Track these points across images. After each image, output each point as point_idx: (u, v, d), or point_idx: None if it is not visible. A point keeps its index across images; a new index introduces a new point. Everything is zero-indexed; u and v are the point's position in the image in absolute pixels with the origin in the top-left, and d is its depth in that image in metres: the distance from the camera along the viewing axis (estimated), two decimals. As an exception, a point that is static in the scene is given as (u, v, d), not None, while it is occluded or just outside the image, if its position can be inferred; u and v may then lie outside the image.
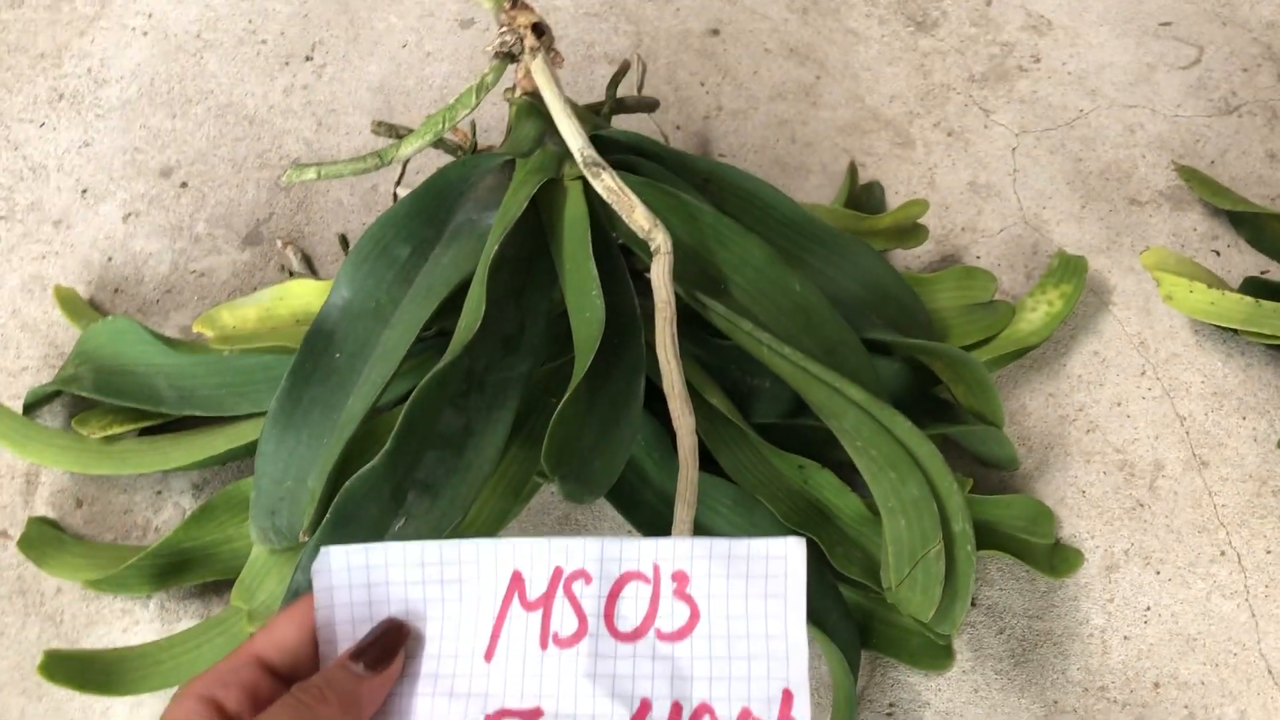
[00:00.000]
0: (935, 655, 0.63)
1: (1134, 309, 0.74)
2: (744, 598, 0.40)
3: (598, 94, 0.79)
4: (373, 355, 0.58)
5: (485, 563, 0.42)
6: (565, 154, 0.62)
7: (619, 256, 0.61)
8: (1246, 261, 0.76)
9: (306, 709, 0.39)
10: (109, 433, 0.67)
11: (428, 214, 0.61)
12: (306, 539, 0.54)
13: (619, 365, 0.57)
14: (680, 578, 0.40)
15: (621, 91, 0.81)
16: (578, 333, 0.57)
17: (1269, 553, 0.67)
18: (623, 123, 0.80)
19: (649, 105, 0.75)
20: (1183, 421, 0.71)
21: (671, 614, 0.39)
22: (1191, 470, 0.69)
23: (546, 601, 0.40)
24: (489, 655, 0.40)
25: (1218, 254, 0.76)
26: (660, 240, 0.56)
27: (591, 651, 0.39)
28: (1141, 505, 0.68)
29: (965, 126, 0.82)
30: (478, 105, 0.63)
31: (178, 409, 0.66)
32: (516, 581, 0.41)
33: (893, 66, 0.84)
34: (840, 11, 0.87)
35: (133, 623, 0.65)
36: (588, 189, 0.60)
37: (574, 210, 0.60)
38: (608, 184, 0.57)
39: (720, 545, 0.41)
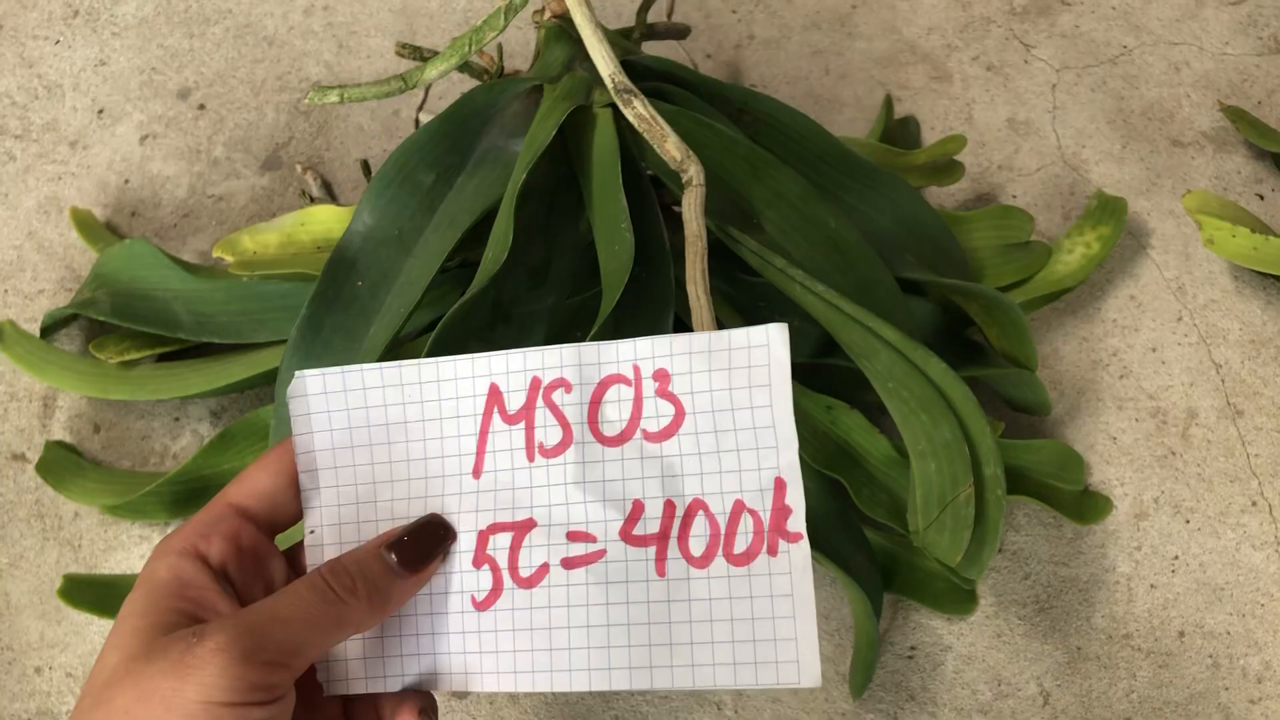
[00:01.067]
0: (959, 600, 0.62)
1: (1173, 253, 0.73)
2: (728, 390, 0.39)
3: (626, 19, 0.77)
4: (395, 284, 0.57)
5: (463, 379, 0.41)
6: (595, 80, 0.60)
7: (649, 188, 0.59)
8: (1291, 206, 0.74)
9: (335, 598, 0.36)
10: (126, 358, 0.66)
11: (452, 140, 0.60)
12: None
13: (647, 300, 0.56)
14: (662, 376, 0.39)
15: (652, 18, 0.79)
16: (605, 266, 0.55)
17: (1302, 504, 0.66)
18: (652, 50, 0.78)
19: (680, 32, 0.73)
20: (1218, 369, 0.69)
21: (656, 414, 0.39)
22: (1225, 419, 0.68)
23: (528, 413, 0.40)
24: (476, 472, 0.39)
25: (1261, 198, 0.74)
26: (693, 172, 0.54)
27: (579, 459, 0.38)
28: (1173, 453, 0.67)
29: (1005, 61, 0.79)
30: (505, 27, 0.61)
31: (196, 335, 0.66)
32: (495, 395, 0.40)
33: (931, -3, 0.82)
34: (878, -62, 0.84)
35: (150, 549, 0.65)
36: (618, 117, 0.58)
37: (603, 139, 0.58)
38: (639, 112, 0.56)
39: (700, 340, 0.39)
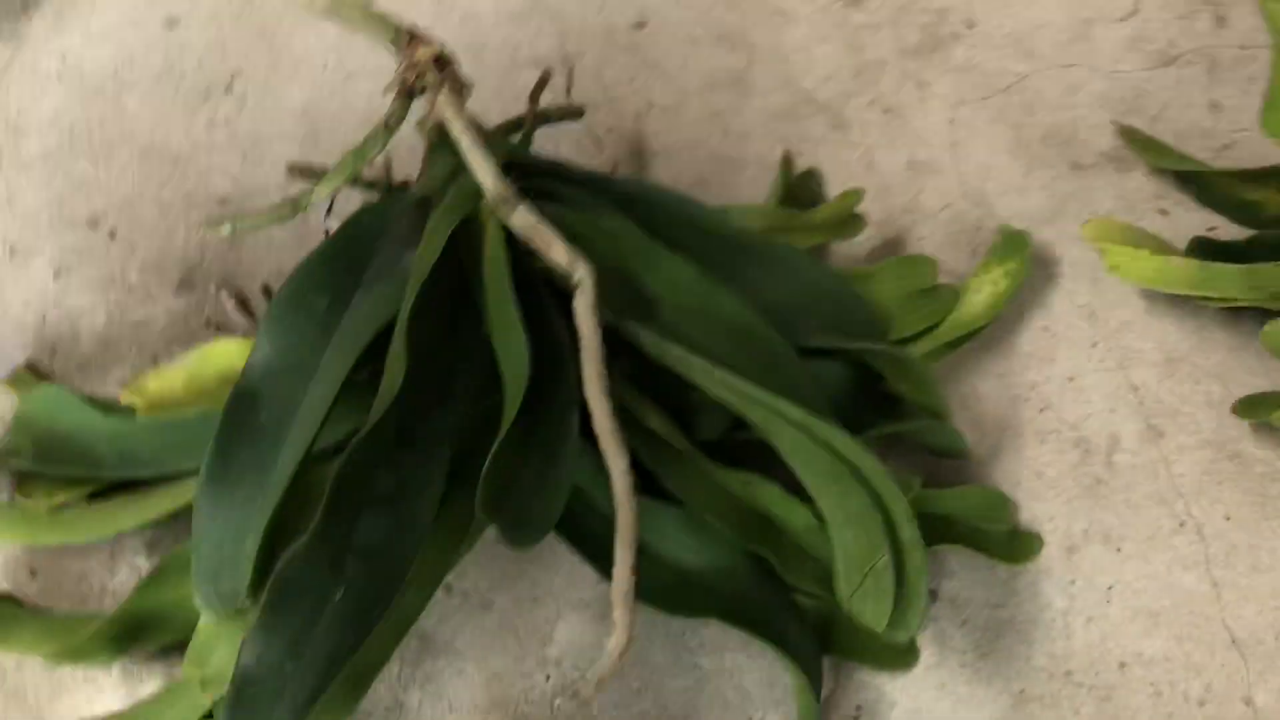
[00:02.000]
0: (898, 655, 0.63)
1: (1082, 279, 0.73)
2: None
3: (524, 101, 0.77)
4: (298, 412, 0.57)
5: None
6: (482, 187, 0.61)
7: (544, 289, 0.60)
8: (1194, 219, 0.75)
9: None
10: (55, 501, 0.67)
11: (344, 261, 0.60)
12: (249, 604, 0.54)
13: (551, 404, 0.56)
14: None
15: (550, 96, 0.80)
16: (505, 376, 0.56)
17: (1228, 519, 0.66)
18: (550, 132, 0.78)
19: (573, 114, 0.74)
20: (1136, 391, 0.70)
21: None
22: (1148, 441, 0.69)
23: None
24: None
25: (1165, 213, 0.75)
26: (582, 274, 0.55)
27: None
28: (1099, 482, 0.68)
29: (901, 102, 0.80)
30: (387, 145, 0.61)
31: (121, 472, 0.66)
32: None
33: (824, 45, 0.82)
34: (767, -8, 0.85)
35: (97, 691, 0.65)
36: (506, 229, 0.59)
37: (493, 249, 0.58)
38: (523, 220, 0.56)
39: None
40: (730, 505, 0.61)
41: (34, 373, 0.74)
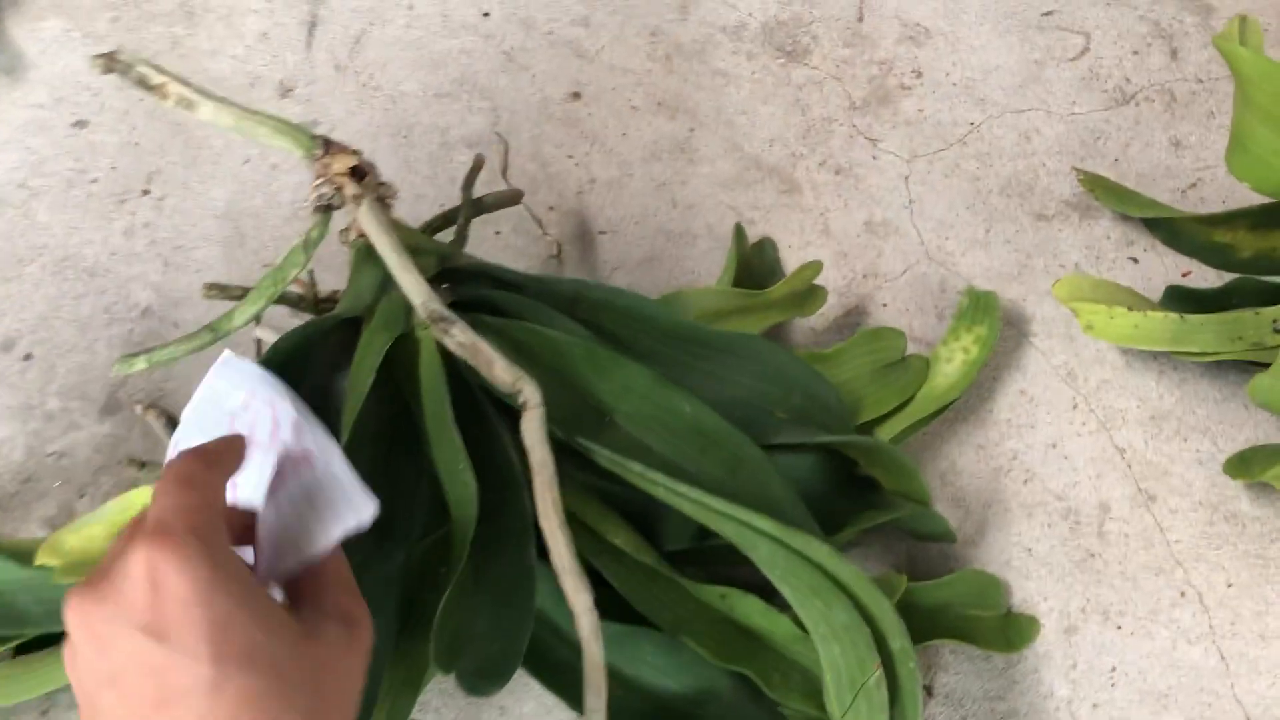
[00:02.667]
0: (895, 761, 0.59)
1: (1056, 337, 0.70)
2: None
3: (460, 183, 0.73)
4: None
5: None
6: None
7: (488, 408, 0.56)
8: (1167, 264, 0.72)
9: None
10: (-23, 662, 0.61)
11: None
12: None
13: (504, 539, 0.52)
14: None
15: (487, 177, 0.76)
16: (453, 513, 0.51)
17: (1230, 586, 0.63)
18: (490, 217, 0.74)
19: (510, 200, 0.70)
20: (1123, 454, 0.67)
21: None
22: (1139, 507, 0.65)
23: None
24: None
25: (1135, 261, 0.72)
26: (528, 394, 0.51)
27: None
28: (1092, 555, 0.64)
29: (853, 161, 0.77)
30: (308, 263, 0.57)
31: (48, 627, 0.61)
32: None
33: (768, 105, 0.79)
34: (705, 53, 0.81)
35: None
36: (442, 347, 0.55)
37: (429, 370, 0.54)
38: (460, 340, 0.52)
39: None
40: (707, 621, 0.57)
41: (-51, 518, 0.69)
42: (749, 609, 0.57)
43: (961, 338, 0.67)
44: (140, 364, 0.56)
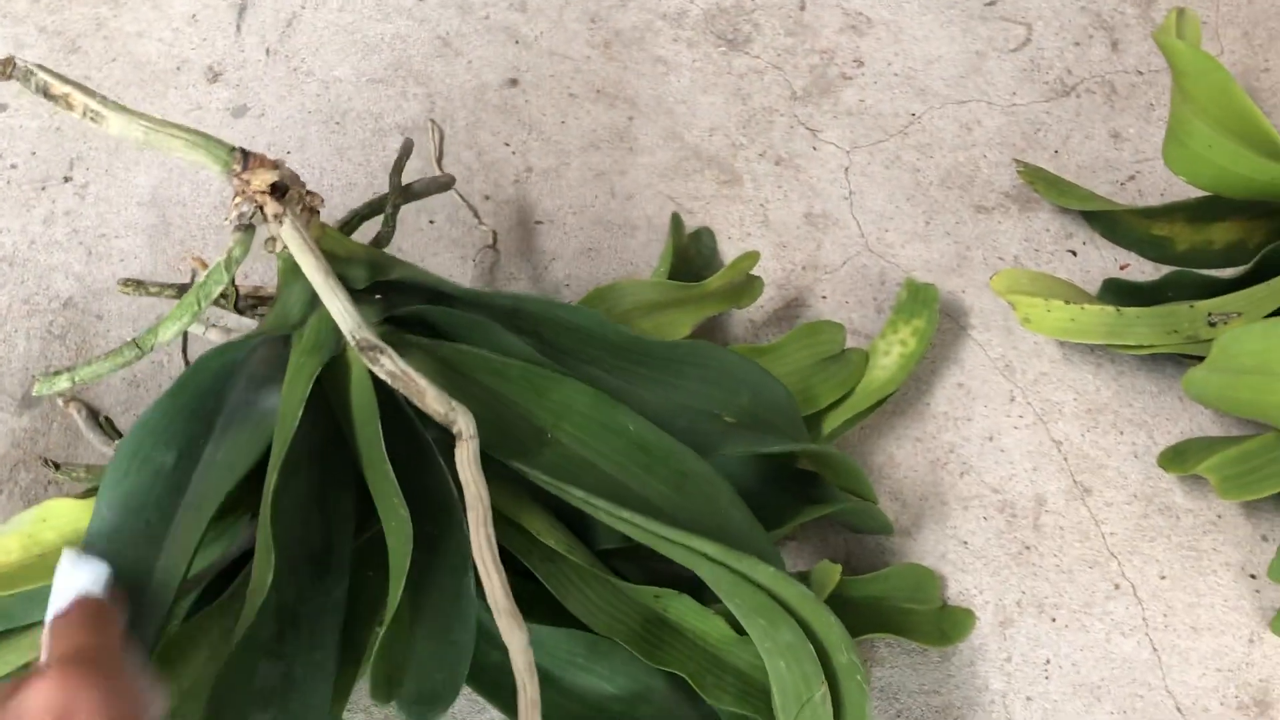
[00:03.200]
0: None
1: (995, 330, 0.70)
2: None
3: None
4: (150, 584, 0.50)
5: None
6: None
7: (423, 436, 0.53)
8: (1106, 257, 0.72)
9: None
10: (-115, 669, 0.59)
11: (191, 410, 0.53)
12: None
13: (442, 568, 0.50)
14: None
15: (419, 164, 0.74)
16: (389, 543, 0.50)
17: (1163, 578, 0.63)
18: (424, 206, 0.73)
19: (442, 186, 0.68)
20: (1059, 447, 0.67)
21: None
22: (1075, 500, 0.65)
23: None
24: None
25: (1074, 254, 0.72)
26: (461, 424, 0.49)
27: None
28: (1028, 548, 0.64)
29: (793, 151, 0.76)
30: (232, 279, 0.54)
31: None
32: None
33: (709, 94, 0.78)
34: (645, 40, 0.80)
35: None
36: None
37: (361, 396, 0.52)
38: (390, 369, 0.50)
39: None
40: (639, 621, 0.56)
41: None
42: (683, 609, 0.56)
43: (899, 330, 0.67)
44: (63, 383, 0.54)
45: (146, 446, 0.51)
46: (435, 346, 0.53)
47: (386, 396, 0.52)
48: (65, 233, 0.75)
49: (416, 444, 0.52)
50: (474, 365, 0.53)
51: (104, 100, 0.48)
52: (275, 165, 0.50)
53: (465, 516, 0.48)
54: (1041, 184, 0.72)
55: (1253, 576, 0.63)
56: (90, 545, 0.50)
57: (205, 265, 0.58)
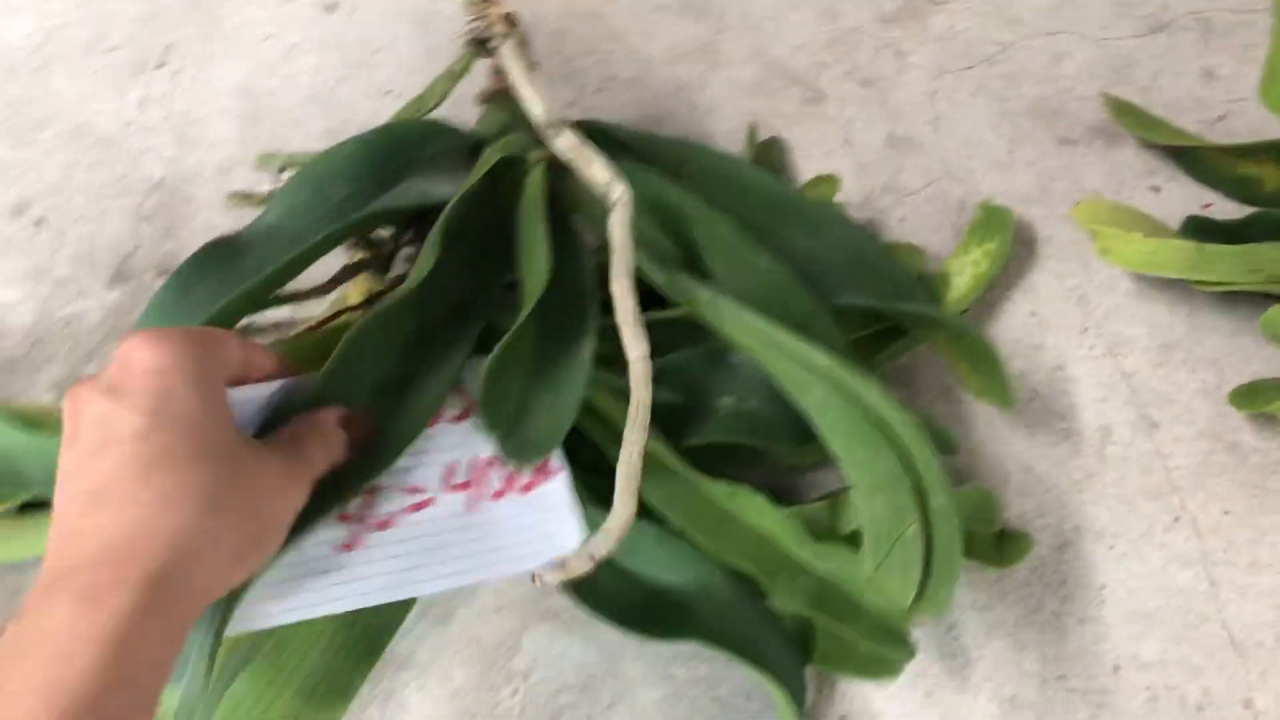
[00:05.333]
0: (883, 663, 0.59)
1: (1071, 261, 0.70)
2: None
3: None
4: (275, 262, 0.53)
5: None
6: (532, 141, 0.60)
7: (577, 233, 0.58)
8: (1189, 195, 0.71)
9: (329, 450, 0.44)
10: (-18, 517, 0.62)
11: (375, 164, 0.57)
12: None
13: (565, 332, 0.54)
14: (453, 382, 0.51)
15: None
16: (526, 283, 0.53)
17: (1226, 514, 0.63)
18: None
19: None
20: (1129, 380, 0.67)
21: (453, 405, 0.52)
22: (1141, 433, 0.65)
23: None
24: None
25: (1157, 190, 0.71)
26: (619, 192, 0.54)
27: None
28: (1090, 476, 0.65)
29: (879, 74, 0.76)
30: (447, 95, 0.62)
31: (51, 490, 0.61)
32: None
33: (797, 12, 0.78)
34: (736, -45, 0.80)
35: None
36: (550, 173, 0.58)
37: (532, 190, 0.57)
38: (568, 141, 0.56)
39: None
40: (714, 517, 0.57)
41: (-45, 376, 0.69)
42: (757, 508, 0.57)
43: (972, 251, 0.67)
44: (279, 160, 0.63)
45: (323, 176, 0.56)
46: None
47: (553, 200, 0.57)
48: (158, 116, 0.76)
49: (566, 235, 0.57)
50: (634, 184, 0.56)
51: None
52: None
53: (595, 300, 0.54)
54: (1128, 118, 0.71)
55: (1316, 518, 0.63)
56: (241, 234, 0.54)
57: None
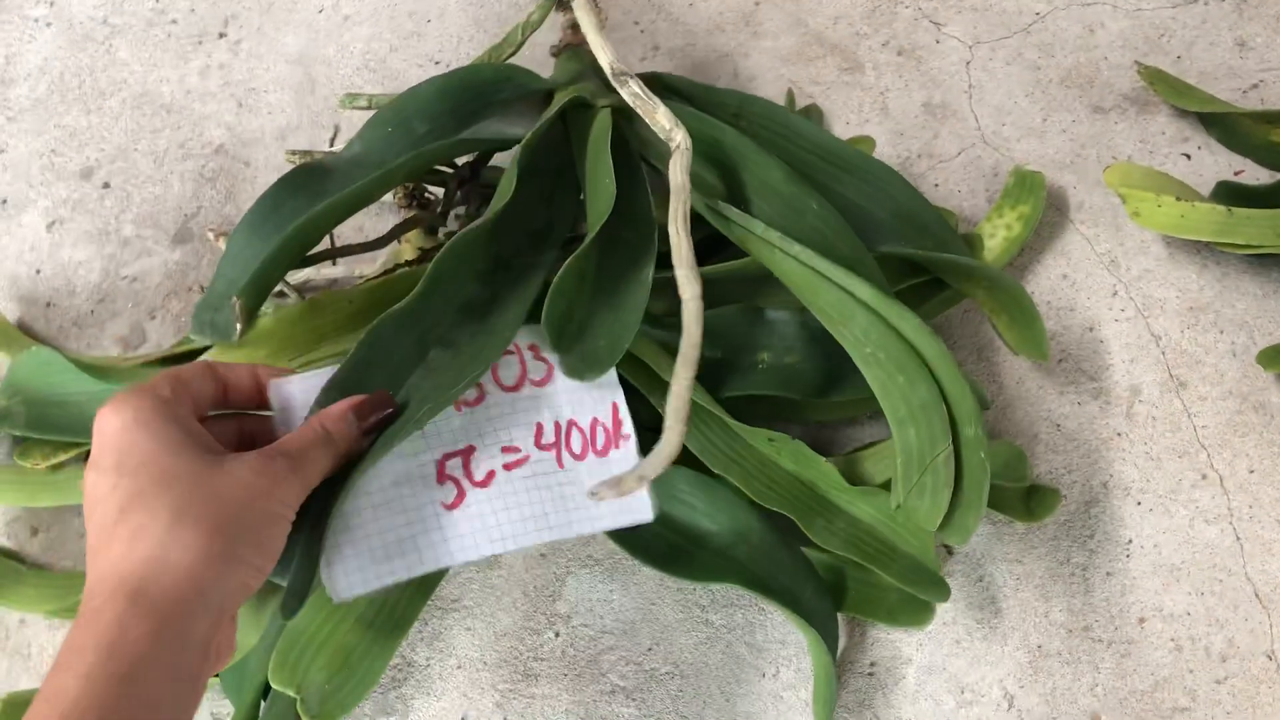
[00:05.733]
0: (914, 611, 0.61)
1: (1103, 226, 0.71)
2: None
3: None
4: (358, 190, 0.56)
5: None
6: (600, 89, 0.63)
7: (639, 167, 0.60)
8: (1220, 162, 0.72)
9: (328, 441, 0.46)
10: (52, 461, 0.66)
11: (452, 104, 0.61)
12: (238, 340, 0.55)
13: (631, 253, 0.56)
14: (533, 348, 0.55)
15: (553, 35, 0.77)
16: (591, 210, 0.56)
17: (1252, 472, 0.65)
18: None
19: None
20: (1158, 341, 0.68)
21: (535, 371, 0.54)
22: (1169, 392, 0.67)
23: None
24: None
25: (1188, 157, 0.73)
26: (680, 138, 0.57)
27: (493, 403, 0.53)
28: (1119, 434, 0.66)
29: (916, 43, 0.77)
30: (524, 43, 0.66)
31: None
32: None
33: (836, -16, 0.80)
34: (776, -72, 0.82)
35: (101, 651, 0.64)
36: (616, 115, 0.61)
37: (600, 125, 0.60)
38: (633, 90, 0.59)
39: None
40: (754, 463, 0.60)
41: (26, 333, 0.72)
42: (796, 453, 0.59)
43: (1005, 215, 0.69)
44: (362, 102, 0.68)
45: (408, 112, 0.60)
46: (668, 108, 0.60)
47: (618, 142, 0.60)
48: (218, 84, 0.79)
49: (630, 168, 0.59)
50: (692, 127, 0.59)
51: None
52: None
53: (655, 231, 0.56)
54: (1161, 85, 0.72)
55: (1342, 476, 0.64)
56: (328, 161, 0.58)
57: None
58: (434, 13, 0.80)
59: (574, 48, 0.66)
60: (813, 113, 0.74)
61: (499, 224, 0.54)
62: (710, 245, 0.63)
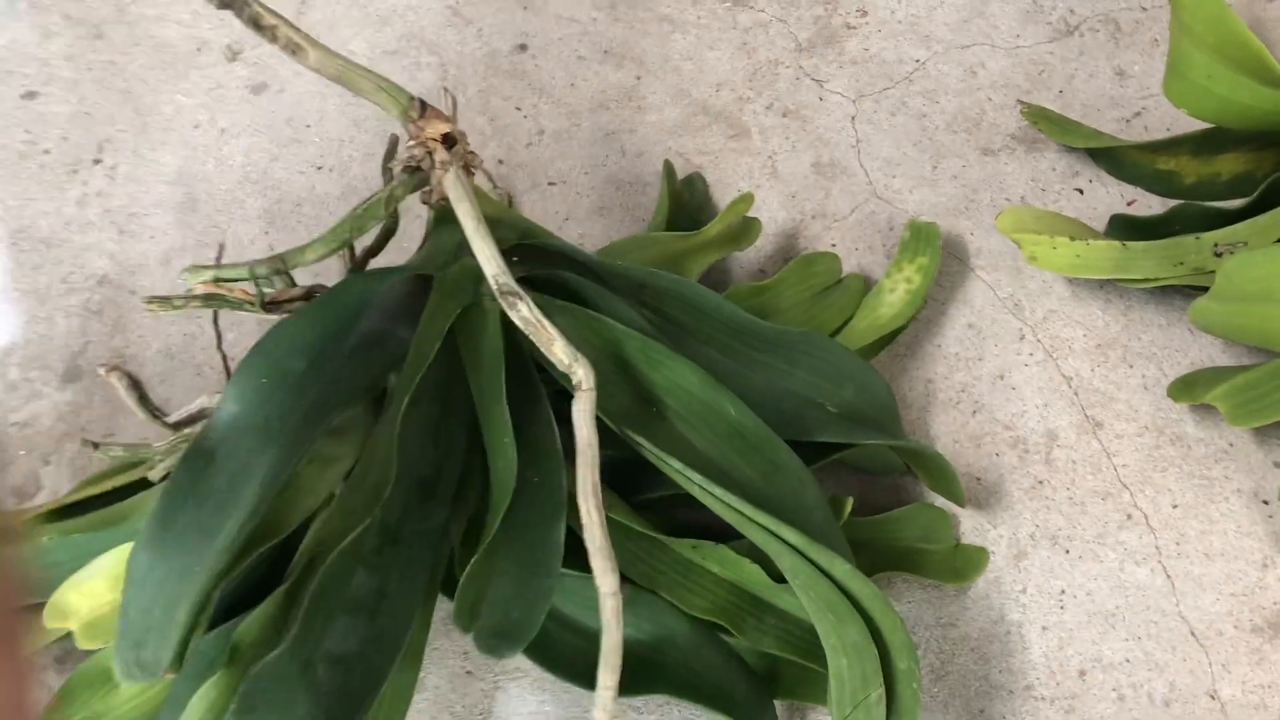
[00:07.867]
0: (852, 691, 0.60)
1: (1003, 270, 0.71)
2: None
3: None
4: (256, 477, 0.53)
5: None
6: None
7: (540, 388, 0.56)
8: (1113, 194, 0.72)
9: None
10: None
11: (327, 328, 0.56)
12: (170, 676, 0.51)
13: (537, 511, 0.53)
14: None
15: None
16: (493, 478, 0.53)
17: (1175, 507, 0.64)
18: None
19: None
20: (1070, 382, 0.67)
21: None
22: (1086, 434, 0.66)
23: None
24: None
25: (1081, 192, 0.72)
26: (581, 375, 0.51)
27: None
28: (1040, 482, 0.65)
29: (800, 103, 0.77)
30: (387, 216, 0.58)
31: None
32: None
33: (714, 50, 0.79)
34: (650, -1, 0.81)
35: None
36: (509, 323, 0.56)
37: (490, 343, 0.55)
38: (525, 315, 0.52)
39: None
40: (680, 574, 0.58)
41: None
42: (721, 558, 0.58)
43: (904, 268, 0.68)
44: (207, 275, 0.58)
45: (280, 351, 0.54)
46: (563, 308, 0.56)
47: (511, 345, 0.55)
48: (98, 213, 0.77)
49: (531, 394, 0.55)
50: (598, 329, 0.56)
51: (305, 36, 0.53)
52: (448, 119, 0.54)
53: (566, 467, 0.51)
54: (1045, 123, 0.72)
55: (1265, 503, 0.63)
56: (208, 433, 0.52)
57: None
58: (312, 118, 0.79)
59: (447, 202, 0.57)
60: (696, 182, 0.73)
61: (388, 488, 0.50)
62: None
